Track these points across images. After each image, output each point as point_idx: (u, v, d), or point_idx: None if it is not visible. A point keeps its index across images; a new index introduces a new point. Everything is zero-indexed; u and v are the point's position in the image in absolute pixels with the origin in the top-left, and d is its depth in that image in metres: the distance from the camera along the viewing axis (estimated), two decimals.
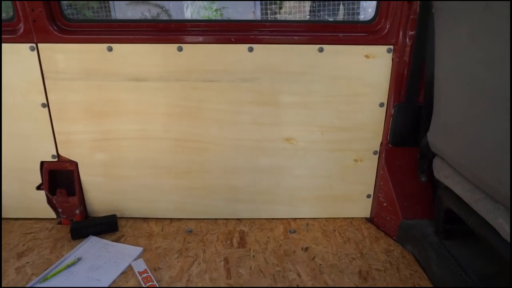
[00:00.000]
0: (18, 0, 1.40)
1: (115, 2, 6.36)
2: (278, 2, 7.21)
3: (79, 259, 1.43)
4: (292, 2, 7.00)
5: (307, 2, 6.76)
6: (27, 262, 1.41)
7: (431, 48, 1.33)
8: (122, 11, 6.45)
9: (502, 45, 0.91)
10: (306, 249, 1.50)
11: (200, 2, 7.44)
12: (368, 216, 1.74)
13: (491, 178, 1.02)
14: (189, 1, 7.48)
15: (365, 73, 1.52)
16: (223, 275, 1.34)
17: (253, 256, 1.45)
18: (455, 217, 1.29)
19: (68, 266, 1.39)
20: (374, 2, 1.52)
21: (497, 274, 1.19)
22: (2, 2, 1.52)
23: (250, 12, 6.83)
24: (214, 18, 6.95)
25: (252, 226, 1.67)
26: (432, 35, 1.31)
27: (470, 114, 1.10)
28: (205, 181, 1.67)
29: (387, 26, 1.48)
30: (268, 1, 7.01)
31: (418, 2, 1.38)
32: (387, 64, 1.51)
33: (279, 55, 1.49)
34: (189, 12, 7.71)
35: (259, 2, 6.83)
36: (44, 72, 1.51)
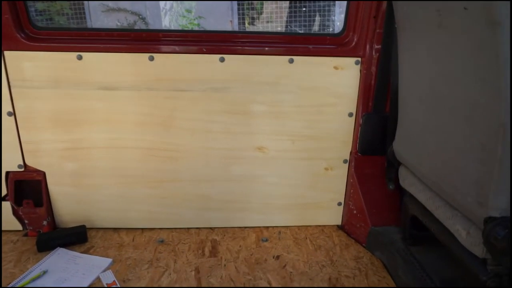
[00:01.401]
0: None
1: (90, 9, 6.27)
2: (256, 9, 7.29)
3: (45, 272, 1.39)
4: (269, 9, 7.09)
5: (284, 11, 6.87)
6: None
7: (396, 61, 1.39)
8: (99, 19, 6.37)
9: (456, 59, 0.96)
10: (278, 257, 1.52)
11: (178, 9, 7.43)
12: (340, 223, 1.77)
13: (448, 186, 1.07)
14: (167, 8, 7.46)
15: (334, 84, 1.56)
16: (193, 285, 1.34)
17: (225, 265, 1.45)
18: (420, 223, 1.33)
19: (33, 279, 1.35)
20: (343, 16, 1.57)
21: (457, 278, 1.24)
22: None
23: (227, 22, 6.87)
24: (190, 28, 6.96)
25: (225, 235, 1.67)
26: (396, 48, 1.37)
27: (429, 124, 1.15)
28: (177, 190, 1.66)
29: (355, 39, 1.53)
30: (245, 11, 7.09)
31: (383, 17, 1.44)
32: (355, 76, 1.56)
33: (251, 65, 1.51)
34: (167, 20, 7.68)
35: (236, 12, 6.89)
36: (10, 80, 1.47)
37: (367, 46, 1.52)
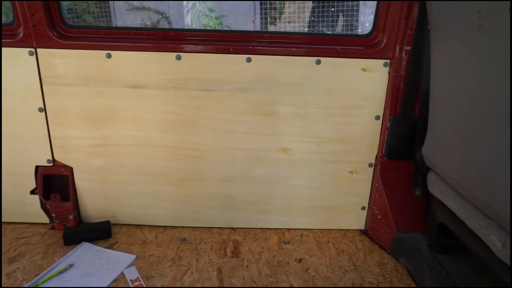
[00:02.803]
0: (18, 0, 1.41)
1: (115, 8, 6.38)
2: (278, 9, 7.26)
3: (71, 266, 1.41)
4: (291, 8, 7.05)
5: (306, 11, 6.82)
6: (18, 268, 1.40)
7: (427, 63, 1.35)
8: (123, 18, 6.48)
9: (495, 63, 0.93)
10: (300, 260, 1.50)
11: (200, 8, 7.49)
12: (363, 228, 1.74)
13: (483, 194, 1.03)
14: (189, 6, 7.52)
15: (362, 86, 1.53)
16: (215, 285, 1.34)
17: (247, 266, 1.45)
18: (449, 231, 1.29)
19: (60, 272, 1.38)
20: (372, 17, 1.54)
21: None
22: (2, 5, 1.52)
23: (249, 21, 6.88)
24: (213, 26, 6.99)
25: (246, 236, 1.66)
26: (428, 50, 1.33)
27: (463, 129, 1.11)
28: (200, 189, 1.67)
29: (384, 41, 1.50)
30: (267, 10, 7.07)
31: (415, 18, 1.40)
32: (383, 78, 1.52)
33: (277, 66, 1.50)
34: (189, 18, 7.75)
35: (259, 11, 6.88)
36: (42, 77, 1.51)
37: (397, 48, 1.48)
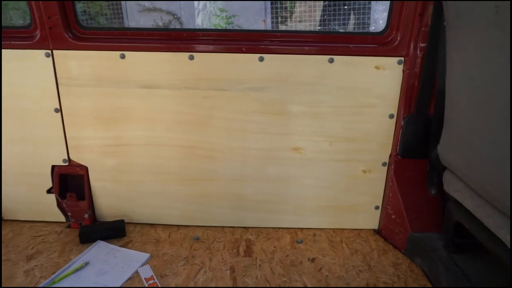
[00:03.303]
0: (35, 0, 1.43)
1: (127, 9, 6.46)
2: (288, 9, 7.24)
3: (86, 264, 1.44)
4: (302, 8, 7.02)
5: (317, 10, 6.79)
6: (36, 265, 1.43)
7: (442, 60, 1.33)
8: (135, 19, 6.55)
9: (511, 59, 0.91)
10: (313, 260, 1.49)
11: (211, 8, 7.52)
12: (376, 228, 1.72)
13: (500, 193, 1.01)
14: (200, 7, 7.56)
15: (375, 84, 1.52)
16: (229, 284, 1.34)
17: (259, 266, 1.45)
18: (465, 231, 1.27)
19: (76, 270, 1.40)
20: (385, 14, 1.52)
21: None
22: (20, 9, 1.55)
23: (260, 21, 6.87)
24: (224, 27, 7.02)
25: (259, 235, 1.66)
26: (443, 47, 1.31)
27: (480, 127, 1.09)
28: (212, 189, 1.68)
29: (398, 38, 1.48)
30: (278, 10, 7.06)
31: (430, 14, 1.38)
32: (397, 76, 1.50)
33: (289, 65, 1.50)
34: (200, 18, 7.79)
35: (269, 11, 6.87)
36: (58, 78, 1.54)
37: (411, 45, 1.46)
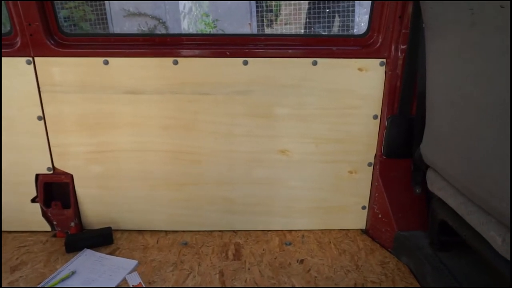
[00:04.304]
0: (14, 3, 1.41)
1: (112, 14, 6.40)
2: (274, 12, 7.28)
3: (73, 273, 1.42)
4: (287, 10, 7.07)
5: (302, 13, 6.84)
6: (20, 276, 1.40)
7: (423, 62, 1.35)
8: (119, 24, 6.49)
9: (488, 59, 0.93)
10: (302, 261, 1.50)
11: (197, 12, 7.51)
12: (364, 227, 1.74)
13: (481, 190, 1.03)
14: (186, 11, 7.54)
15: (359, 85, 1.54)
16: None
17: (248, 269, 1.45)
18: (450, 228, 1.29)
19: (62, 279, 1.38)
20: (367, 17, 1.55)
21: (489, 285, 1.20)
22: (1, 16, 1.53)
23: (246, 24, 6.89)
24: (208, 30, 7.01)
25: (248, 238, 1.66)
26: (423, 49, 1.34)
27: (460, 126, 1.12)
28: (200, 193, 1.67)
29: (380, 40, 1.50)
30: (264, 13, 7.09)
31: (409, 17, 1.41)
32: (380, 77, 1.53)
33: (274, 68, 1.51)
34: (186, 22, 7.76)
35: (255, 14, 6.89)
36: (40, 85, 1.52)
37: (392, 47, 1.49)
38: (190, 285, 1.35)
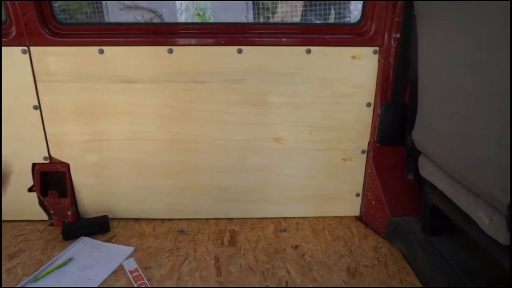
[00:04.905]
0: (10, 0, 1.42)
1: (108, 7, 6.38)
2: (270, 7, 7.27)
3: (70, 259, 1.43)
4: (284, 8, 7.06)
5: (299, 7, 6.83)
6: (18, 263, 1.42)
7: (415, 49, 1.37)
8: (116, 17, 6.47)
9: (479, 46, 0.95)
10: (296, 247, 1.52)
11: (194, 10, 7.50)
12: (358, 214, 1.76)
13: (470, 173, 1.05)
14: (183, 8, 7.52)
15: (352, 74, 1.55)
16: (213, 273, 1.36)
17: (243, 254, 1.47)
18: (441, 213, 1.32)
19: (60, 266, 1.40)
20: (361, 5, 1.56)
21: (480, 267, 1.22)
22: None
23: (242, 17, 6.88)
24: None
25: (243, 226, 1.68)
26: (415, 36, 1.35)
27: (450, 112, 1.14)
28: (195, 181, 1.69)
29: (373, 28, 1.52)
30: (260, 7, 7.08)
31: (402, 4, 1.42)
32: (373, 65, 1.54)
33: (268, 56, 1.52)
34: (183, 18, 7.75)
35: (251, 7, 6.89)
36: (36, 75, 1.52)
37: (385, 35, 1.50)
38: (185, 270, 1.37)
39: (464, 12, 0.99)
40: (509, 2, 0.80)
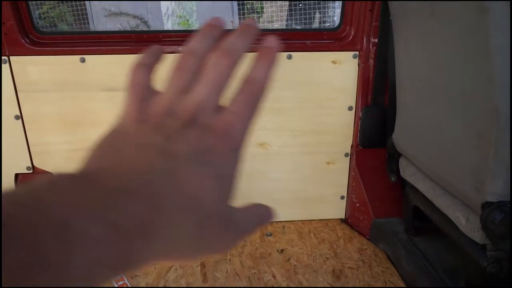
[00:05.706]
0: None
1: (93, 14, 6.34)
2: (258, 10, 7.33)
3: None
4: (271, 9, 7.13)
5: (285, 11, 6.89)
6: None
7: (393, 53, 1.40)
8: (101, 24, 6.44)
9: (449, 48, 0.98)
10: (282, 251, 1.54)
11: (180, 13, 7.51)
12: (343, 217, 1.79)
13: (446, 174, 1.08)
14: (169, 13, 7.53)
15: (333, 78, 1.58)
16: (199, 280, 1.36)
17: (230, 260, 1.48)
18: (423, 214, 1.35)
19: None
20: (339, 10, 1.59)
21: (459, 266, 1.25)
22: None
23: (228, 22, 6.93)
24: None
25: None
26: (392, 40, 1.39)
27: (426, 114, 1.17)
28: None
29: (352, 33, 1.55)
30: (246, 11, 7.13)
31: (379, 9, 1.46)
32: (353, 69, 1.57)
33: (249, 62, 1.53)
34: (170, 24, 7.74)
35: (237, 12, 6.93)
36: (16, 85, 1.51)
37: (364, 40, 1.53)
38: (171, 278, 1.37)
39: (432, 15, 1.02)
40: (468, 2, 0.83)
